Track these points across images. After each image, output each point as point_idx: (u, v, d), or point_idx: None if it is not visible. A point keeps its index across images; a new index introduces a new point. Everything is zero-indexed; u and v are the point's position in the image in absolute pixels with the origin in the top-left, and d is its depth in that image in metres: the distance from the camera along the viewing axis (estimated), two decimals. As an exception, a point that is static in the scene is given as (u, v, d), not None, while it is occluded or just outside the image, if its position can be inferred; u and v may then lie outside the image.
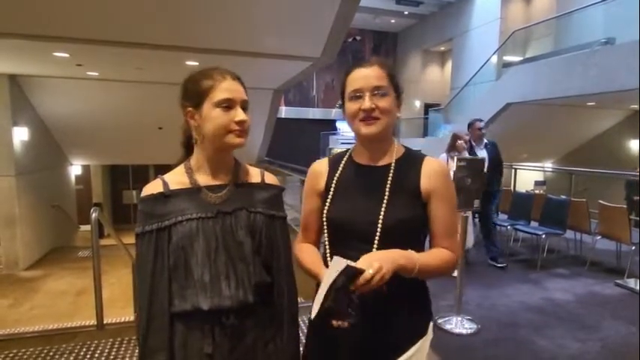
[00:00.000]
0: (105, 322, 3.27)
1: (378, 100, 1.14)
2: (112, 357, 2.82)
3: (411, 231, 1.18)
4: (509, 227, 5.46)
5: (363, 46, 17.00)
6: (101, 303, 3.27)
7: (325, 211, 1.22)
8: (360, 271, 0.97)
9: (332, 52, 4.92)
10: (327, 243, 1.22)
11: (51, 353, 2.85)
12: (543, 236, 4.98)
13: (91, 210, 3.36)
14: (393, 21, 15.96)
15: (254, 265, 1.15)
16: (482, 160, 3.53)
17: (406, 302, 1.18)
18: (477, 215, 5.08)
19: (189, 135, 1.19)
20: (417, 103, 16.19)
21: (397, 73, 1.25)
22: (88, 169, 11.50)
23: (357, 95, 1.16)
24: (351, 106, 1.18)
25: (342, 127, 16.74)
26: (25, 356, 2.81)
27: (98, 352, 2.88)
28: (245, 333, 1.14)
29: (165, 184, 1.16)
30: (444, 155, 4.49)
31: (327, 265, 1.17)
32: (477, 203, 3.36)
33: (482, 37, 12.44)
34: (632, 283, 4.26)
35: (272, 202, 1.23)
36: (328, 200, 1.23)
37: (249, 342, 1.15)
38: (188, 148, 1.23)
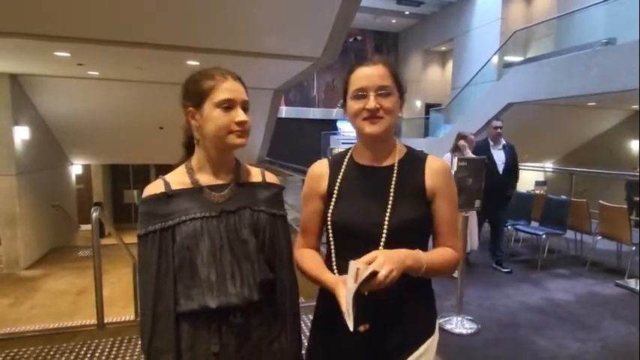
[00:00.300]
0: (105, 321, 3.27)
1: (383, 99, 1.13)
2: (112, 356, 2.82)
3: (417, 231, 1.18)
4: (509, 227, 5.46)
5: (364, 46, 17.00)
6: (102, 302, 3.27)
7: (329, 215, 1.20)
8: (374, 273, 0.96)
9: (333, 52, 4.92)
10: (332, 246, 1.20)
11: (51, 352, 2.85)
12: (544, 236, 4.98)
13: (92, 209, 3.36)
14: (394, 21, 15.96)
15: (258, 264, 1.15)
16: (483, 160, 3.50)
17: (412, 301, 1.18)
18: (486, 219, 4.96)
19: (191, 135, 1.19)
20: (418, 103, 16.19)
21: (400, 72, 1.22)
22: (88, 168, 11.51)
23: (361, 94, 1.14)
24: (354, 105, 1.16)
25: (343, 127, 16.75)
26: (25, 355, 2.81)
27: (99, 351, 2.88)
28: (251, 331, 1.14)
29: (166, 184, 1.15)
30: (448, 155, 4.46)
31: (331, 269, 1.17)
32: (477, 203, 3.36)
33: (483, 37, 12.44)
34: (632, 283, 4.26)
35: (273, 201, 1.23)
36: (332, 203, 1.21)
37: (255, 340, 1.15)
38: (189, 148, 1.22)
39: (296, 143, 14.78)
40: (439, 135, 12.13)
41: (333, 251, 1.20)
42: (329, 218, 1.20)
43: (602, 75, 6.83)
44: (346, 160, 1.27)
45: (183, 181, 1.17)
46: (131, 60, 5.46)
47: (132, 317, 4.16)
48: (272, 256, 1.20)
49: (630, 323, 3.45)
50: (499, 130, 4.69)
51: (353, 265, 0.97)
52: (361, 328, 0.99)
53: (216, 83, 1.12)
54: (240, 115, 1.12)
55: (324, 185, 1.25)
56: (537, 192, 6.81)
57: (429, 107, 15.02)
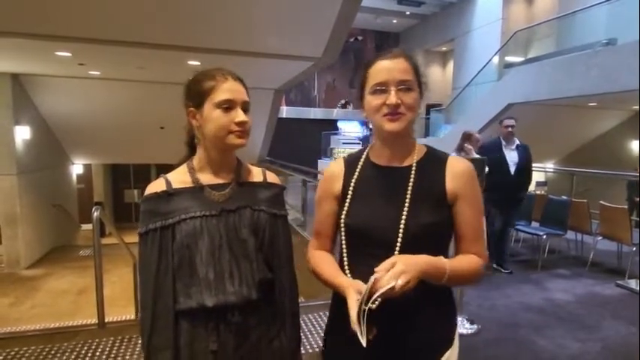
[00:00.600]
0: (106, 320, 3.28)
1: (404, 95, 1.06)
2: (112, 355, 2.83)
3: (435, 237, 1.10)
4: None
5: (364, 46, 17.01)
6: (102, 302, 3.27)
7: (343, 216, 1.15)
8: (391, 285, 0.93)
9: (333, 52, 4.92)
10: (344, 250, 1.15)
11: (52, 352, 2.85)
12: (544, 237, 4.98)
13: (93, 209, 3.37)
14: (394, 21, 15.96)
15: (257, 263, 1.16)
16: (483, 161, 3.49)
17: (430, 309, 1.11)
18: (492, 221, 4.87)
19: (193, 135, 1.20)
20: (419, 103, 16.16)
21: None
22: (89, 168, 11.53)
23: (381, 89, 1.07)
24: (374, 100, 1.09)
25: (344, 127, 16.77)
26: (26, 355, 2.82)
27: (99, 350, 2.88)
28: (249, 330, 1.15)
29: (168, 182, 1.17)
30: (453, 154, 4.36)
31: (345, 273, 1.13)
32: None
33: (484, 37, 12.44)
34: (632, 283, 4.26)
35: (274, 201, 1.24)
36: (346, 204, 1.16)
37: (254, 339, 1.15)
38: (192, 148, 1.23)
39: (296, 143, 14.79)
40: (440, 135, 12.12)
41: (345, 255, 1.14)
42: (342, 220, 1.15)
43: (603, 75, 6.83)
44: (362, 159, 1.21)
45: (184, 179, 1.18)
46: (132, 60, 5.47)
47: (132, 317, 4.17)
48: (271, 255, 1.20)
49: (630, 323, 3.45)
50: (511, 129, 4.49)
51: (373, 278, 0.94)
52: (370, 337, 0.95)
53: (216, 84, 1.13)
54: (240, 115, 1.13)
55: (338, 186, 1.20)
56: (538, 192, 6.79)
57: (429, 107, 15.00)
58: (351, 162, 1.22)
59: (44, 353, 2.84)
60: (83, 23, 4.07)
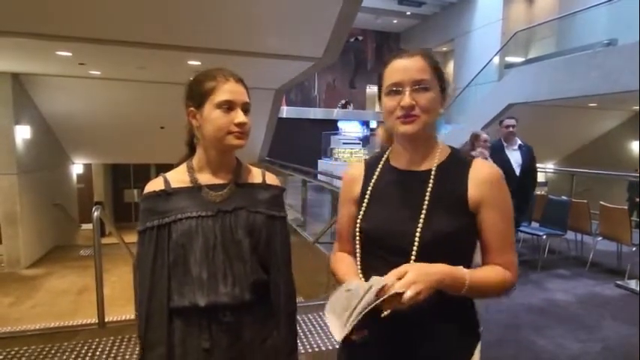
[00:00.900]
0: (106, 320, 3.28)
1: (419, 95, 1.01)
2: (113, 355, 2.83)
3: (454, 246, 1.03)
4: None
5: (365, 46, 17.02)
6: (102, 301, 3.28)
7: (359, 220, 1.11)
8: (398, 293, 0.86)
9: (334, 52, 4.93)
10: (358, 254, 1.12)
11: (52, 351, 2.85)
12: (544, 237, 4.98)
13: (93, 208, 3.37)
14: (395, 21, 15.97)
15: (251, 264, 1.16)
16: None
17: (446, 321, 1.05)
18: None
19: (193, 134, 1.21)
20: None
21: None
22: (89, 167, 11.53)
23: (396, 90, 1.03)
24: (389, 102, 1.04)
25: (344, 127, 16.78)
26: (26, 354, 2.82)
27: (99, 350, 2.88)
28: (242, 330, 1.16)
29: (166, 182, 1.18)
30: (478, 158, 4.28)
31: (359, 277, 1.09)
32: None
33: (484, 37, 12.44)
34: (632, 284, 4.26)
35: (273, 203, 1.24)
36: (362, 208, 1.12)
37: (247, 339, 1.17)
38: (191, 148, 1.24)
39: (297, 143, 14.80)
40: (439, 135, 12.13)
41: (359, 259, 1.12)
42: (357, 224, 1.11)
43: (603, 76, 6.83)
44: (382, 162, 1.17)
45: (183, 179, 1.19)
46: (132, 60, 5.47)
47: (133, 316, 4.16)
48: (267, 257, 1.21)
49: (630, 324, 3.45)
50: (512, 129, 4.38)
51: (377, 280, 0.90)
52: (353, 337, 0.90)
53: (217, 84, 1.13)
54: (240, 116, 1.13)
55: (357, 189, 1.17)
56: (538, 193, 6.80)
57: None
58: (371, 165, 1.19)
59: (44, 353, 2.84)
60: (84, 23, 4.08)
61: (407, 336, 1.04)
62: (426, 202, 1.03)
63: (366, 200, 1.13)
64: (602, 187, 7.65)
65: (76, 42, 4.51)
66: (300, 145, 14.93)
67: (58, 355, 2.81)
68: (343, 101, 17.19)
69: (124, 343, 2.97)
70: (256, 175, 1.27)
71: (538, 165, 4.66)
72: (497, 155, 4.33)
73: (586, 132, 10.51)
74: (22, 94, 6.83)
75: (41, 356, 2.80)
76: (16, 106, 6.62)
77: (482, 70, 10.72)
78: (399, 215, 1.06)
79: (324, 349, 2.85)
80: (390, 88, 1.04)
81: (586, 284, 4.39)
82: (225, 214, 1.16)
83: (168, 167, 1.26)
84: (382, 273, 0.93)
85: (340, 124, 16.75)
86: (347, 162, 13.53)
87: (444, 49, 15.83)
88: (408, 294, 0.86)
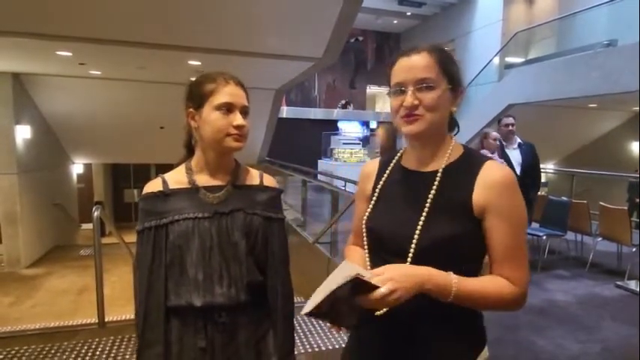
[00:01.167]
0: (106, 320, 3.28)
1: (423, 94, 0.98)
2: (112, 355, 2.83)
3: (455, 252, 0.98)
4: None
5: (365, 47, 17.01)
6: (102, 301, 3.28)
7: (365, 219, 1.10)
8: (372, 286, 0.85)
9: (334, 52, 4.93)
10: (366, 253, 1.11)
11: (52, 351, 2.86)
12: (544, 237, 4.98)
13: (93, 208, 3.38)
14: (395, 22, 15.96)
15: (247, 265, 1.18)
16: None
17: (440, 331, 1.01)
18: None
19: (192, 136, 1.22)
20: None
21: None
22: (89, 167, 11.54)
23: (400, 89, 1.01)
24: (393, 101, 1.02)
25: (344, 127, 16.76)
26: (26, 354, 2.82)
27: (99, 349, 2.89)
28: (238, 330, 1.17)
29: (164, 183, 1.19)
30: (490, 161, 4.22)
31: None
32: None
33: (485, 38, 12.44)
34: (632, 284, 4.25)
35: (270, 204, 1.25)
36: (370, 207, 1.12)
37: (243, 339, 1.18)
38: (190, 149, 1.25)
39: (297, 143, 14.78)
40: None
41: (367, 257, 1.11)
42: (364, 222, 1.10)
43: (603, 76, 6.84)
44: (394, 161, 1.15)
45: (181, 180, 1.20)
46: (133, 60, 5.47)
47: (132, 316, 4.16)
48: (264, 258, 1.22)
49: (630, 324, 3.45)
50: (511, 128, 4.32)
51: (349, 267, 0.89)
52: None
53: (217, 86, 1.15)
54: (238, 119, 1.15)
55: (369, 187, 1.16)
56: (538, 193, 6.80)
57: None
58: (384, 163, 1.17)
59: (44, 352, 2.84)
60: (84, 23, 4.08)
61: (402, 339, 1.03)
62: (428, 205, 1.00)
63: (374, 199, 1.12)
64: (602, 188, 7.65)
65: (77, 42, 4.52)
66: (300, 145, 14.92)
67: (58, 354, 2.82)
68: (343, 101, 17.18)
69: (124, 343, 2.97)
70: (254, 177, 1.28)
71: (539, 165, 4.60)
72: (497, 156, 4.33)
73: (586, 132, 10.52)
74: (23, 94, 6.84)
75: (41, 356, 2.80)
76: (17, 106, 6.63)
77: (482, 70, 10.72)
78: (402, 217, 1.04)
79: (324, 349, 2.85)
80: (394, 88, 1.02)
81: (586, 285, 4.39)
82: (222, 215, 1.17)
83: (169, 167, 1.28)
84: None
85: (340, 125, 16.73)
86: (347, 162, 13.54)
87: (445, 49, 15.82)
88: (381, 290, 0.83)
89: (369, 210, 1.11)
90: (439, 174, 1.03)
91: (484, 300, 0.96)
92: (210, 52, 4.89)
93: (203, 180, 1.20)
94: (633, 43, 6.36)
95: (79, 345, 2.94)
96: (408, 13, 15.01)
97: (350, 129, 16.83)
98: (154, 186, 1.19)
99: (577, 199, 5.46)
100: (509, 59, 10.16)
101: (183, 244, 1.14)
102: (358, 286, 0.84)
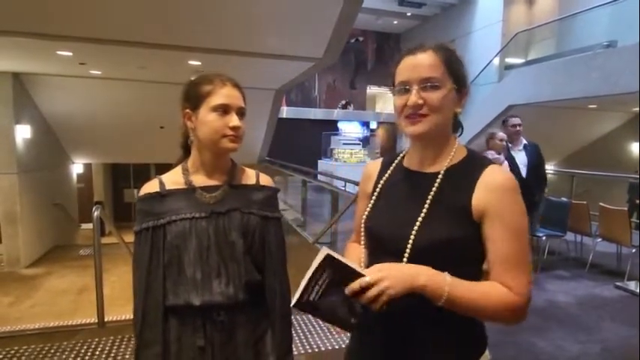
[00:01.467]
0: (106, 319, 3.29)
1: (427, 94, 0.96)
2: (112, 354, 2.83)
3: (452, 255, 0.96)
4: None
5: (365, 47, 17.02)
6: (102, 301, 3.28)
7: (363, 218, 1.10)
8: (355, 272, 0.85)
9: (334, 52, 4.93)
10: (363, 252, 1.11)
11: (52, 351, 2.86)
12: (544, 238, 4.98)
13: (93, 208, 3.38)
14: (395, 22, 15.97)
15: (245, 264, 1.18)
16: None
17: (431, 336, 1.00)
18: None
19: (188, 136, 1.23)
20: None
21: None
22: (89, 167, 11.53)
23: (404, 88, 0.99)
24: (397, 101, 1.01)
25: (344, 127, 16.78)
26: (26, 353, 2.82)
27: (99, 349, 2.89)
28: (236, 329, 1.18)
29: (161, 183, 1.20)
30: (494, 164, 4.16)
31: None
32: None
33: (485, 39, 12.44)
34: (632, 285, 4.26)
35: (266, 203, 1.26)
36: (369, 206, 1.11)
37: (241, 338, 1.18)
38: (187, 149, 1.26)
39: (297, 143, 14.79)
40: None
41: (364, 256, 1.11)
42: (363, 221, 1.10)
43: (603, 77, 6.84)
44: (396, 161, 1.15)
45: (178, 181, 1.21)
46: (133, 59, 5.47)
47: (132, 316, 4.16)
48: (261, 257, 1.23)
49: (630, 325, 3.45)
50: (518, 129, 4.24)
51: (323, 251, 0.86)
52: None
53: (214, 88, 1.16)
54: (234, 120, 1.16)
55: (370, 186, 1.16)
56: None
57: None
58: (387, 163, 1.16)
59: (44, 352, 2.84)
60: (84, 23, 4.08)
61: (403, 341, 1.03)
62: (426, 206, 0.99)
63: (373, 198, 1.12)
64: (602, 189, 7.65)
65: (77, 42, 4.52)
66: (300, 145, 14.93)
67: (58, 354, 2.82)
68: (343, 102, 17.19)
69: (124, 343, 2.97)
70: (250, 177, 1.28)
71: (539, 165, 4.54)
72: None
73: (586, 133, 10.52)
74: (23, 94, 6.83)
75: (41, 356, 2.80)
76: (17, 106, 6.62)
77: (482, 71, 10.73)
78: (401, 216, 1.02)
79: (323, 349, 2.85)
80: (398, 87, 1.01)
81: (586, 285, 4.39)
82: (219, 215, 1.18)
83: (168, 167, 1.28)
84: None
85: (340, 125, 16.75)
86: (347, 162, 13.54)
87: (445, 50, 15.84)
88: (366, 279, 0.85)
89: (368, 209, 1.11)
90: (440, 175, 1.01)
91: (483, 308, 0.93)
92: (210, 52, 4.89)
93: (199, 180, 1.21)
94: (633, 44, 6.37)
95: (79, 345, 2.94)
96: (408, 14, 15.02)
97: (350, 129, 16.84)
98: (151, 187, 1.20)
99: (577, 200, 5.46)
100: (510, 60, 10.17)
101: (181, 244, 1.15)
102: (340, 271, 0.84)
